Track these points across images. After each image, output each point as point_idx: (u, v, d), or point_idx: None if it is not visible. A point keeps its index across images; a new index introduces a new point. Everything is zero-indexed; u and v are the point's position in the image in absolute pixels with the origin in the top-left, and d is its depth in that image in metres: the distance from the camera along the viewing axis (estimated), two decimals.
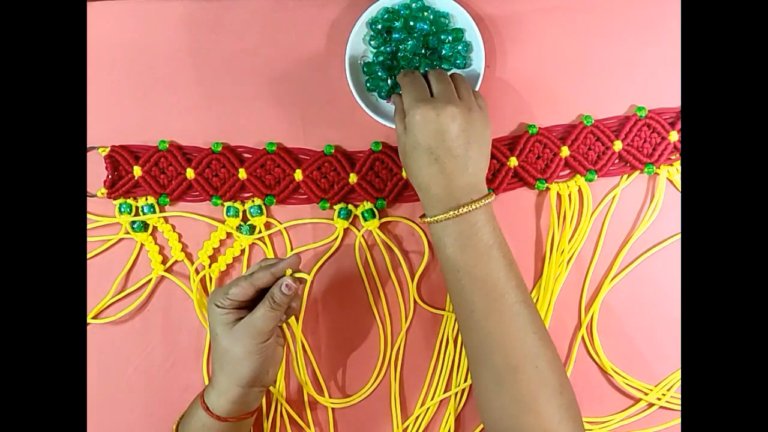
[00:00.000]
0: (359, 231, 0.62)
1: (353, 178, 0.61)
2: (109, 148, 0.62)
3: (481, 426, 0.64)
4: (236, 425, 0.53)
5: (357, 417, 0.65)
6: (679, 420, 0.64)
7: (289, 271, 0.52)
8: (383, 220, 0.62)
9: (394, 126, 0.60)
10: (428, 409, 0.63)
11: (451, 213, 0.50)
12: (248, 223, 0.63)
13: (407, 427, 0.64)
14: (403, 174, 0.61)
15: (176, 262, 0.64)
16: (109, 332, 0.64)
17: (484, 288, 0.50)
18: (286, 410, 0.64)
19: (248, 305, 0.52)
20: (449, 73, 0.56)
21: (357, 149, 0.62)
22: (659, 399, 0.64)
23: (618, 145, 0.61)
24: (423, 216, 0.53)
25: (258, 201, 0.62)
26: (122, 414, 0.65)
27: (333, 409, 0.64)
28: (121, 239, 0.63)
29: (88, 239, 0.63)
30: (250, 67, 0.62)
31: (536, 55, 0.62)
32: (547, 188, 0.62)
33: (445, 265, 0.52)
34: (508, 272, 0.51)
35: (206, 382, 0.63)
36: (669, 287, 0.64)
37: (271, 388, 0.63)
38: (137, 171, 0.61)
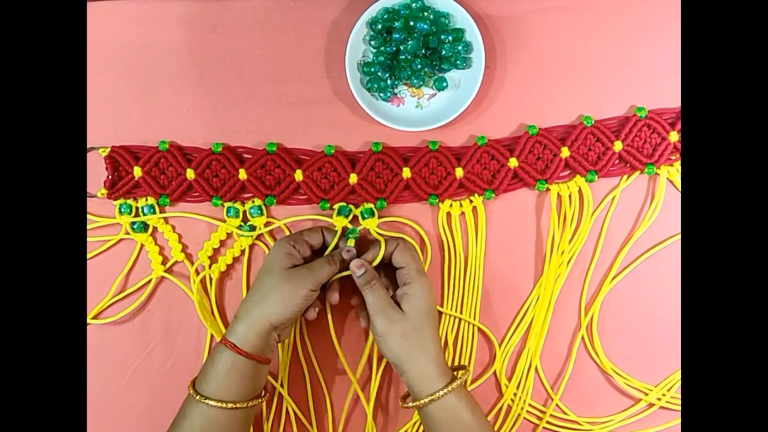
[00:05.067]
0: (357, 228, 0.62)
1: (353, 179, 0.61)
2: (109, 149, 0.62)
3: None
4: (255, 372, 0.55)
5: (357, 417, 0.65)
6: (679, 420, 0.64)
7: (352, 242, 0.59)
8: (383, 219, 0.62)
9: (393, 127, 0.60)
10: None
11: (457, 382, 0.54)
12: (248, 223, 0.63)
13: (406, 431, 0.64)
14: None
15: (176, 262, 0.64)
16: (109, 332, 0.64)
17: None
18: (291, 408, 0.64)
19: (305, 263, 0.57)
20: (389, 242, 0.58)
21: (357, 149, 0.62)
22: (659, 399, 0.64)
23: (618, 146, 0.61)
24: (441, 390, 0.53)
25: (258, 201, 0.62)
26: (122, 414, 0.65)
27: (333, 408, 0.64)
28: (121, 240, 0.63)
29: (88, 240, 0.63)
30: (250, 67, 0.62)
31: (536, 55, 0.62)
32: (548, 189, 0.62)
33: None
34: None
35: None
36: (669, 287, 0.64)
37: (275, 385, 0.63)
38: (137, 171, 0.61)
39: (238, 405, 0.53)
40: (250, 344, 0.53)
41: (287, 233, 0.63)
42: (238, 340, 0.53)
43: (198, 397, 0.53)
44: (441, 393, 0.53)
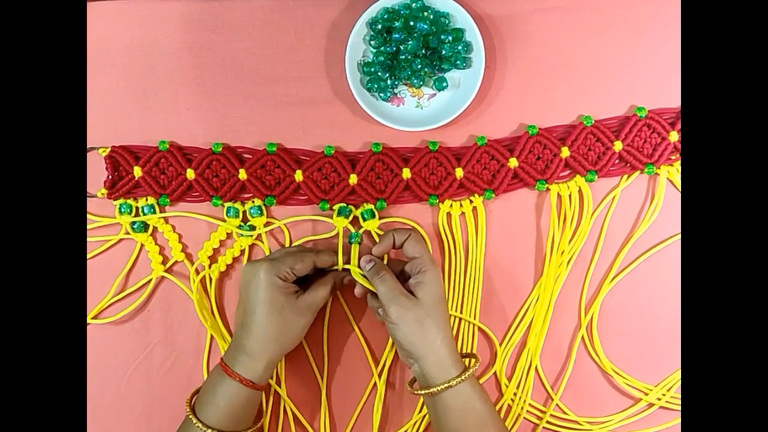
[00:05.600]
0: (359, 231, 0.62)
1: (353, 179, 0.61)
2: (109, 149, 0.62)
3: None
4: (261, 396, 0.58)
5: (358, 417, 0.65)
6: (679, 420, 0.64)
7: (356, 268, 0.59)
8: (383, 220, 0.62)
9: (393, 127, 0.60)
10: (425, 416, 0.63)
11: (471, 370, 0.54)
12: (248, 223, 0.63)
13: (406, 431, 0.64)
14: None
15: (176, 262, 0.64)
16: (109, 332, 0.64)
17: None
18: (290, 408, 0.64)
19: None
20: (396, 233, 0.58)
21: (357, 150, 0.62)
22: (659, 399, 0.64)
23: (618, 146, 0.61)
24: (456, 378, 0.53)
25: (258, 202, 0.62)
26: (122, 414, 0.65)
27: (331, 408, 0.64)
28: (121, 240, 0.63)
29: (88, 239, 0.63)
30: (250, 67, 0.62)
31: (536, 55, 0.62)
32: (548, 189, 0.62)
33: (475, 422, 0.54)
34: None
35: None
36: (669, 287, 0.64)
37: (274, 385, 0.63)
38: (137, 171, 0.61)
39: (249, 431, 0.56)
40: (265, 379, 0.56)
41: (287, 233, 0.63)
42: (257, 377, 0.55)
43: (208, 431, 0.53)
44: (456, 381, 0.53)
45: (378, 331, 0.64)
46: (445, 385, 0.53)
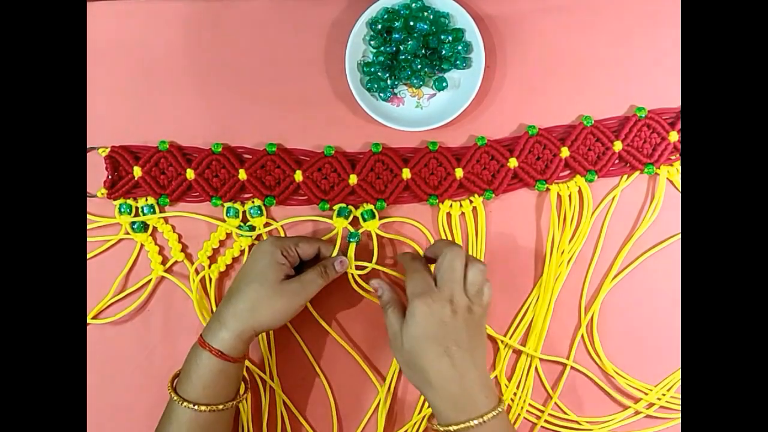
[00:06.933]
0: (359, 230, 0.62)
1: (353, 180, 0.61)
2: (109, 149, 0.62)
3: None
4: (239, 370, 0.56)
5: (357, 416, 0.65)
6: (679, 420, 0.64)
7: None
8: (383, 220, 0.62)
9: (393, 127, 0.60)
10: (425, 417, 0.63)
11: (474, 422, 0.49)
12: (248, 223, 0.63)
13: (406, 431, 0.64)
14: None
15: (176, 262, 0.64)
16: (109, 332, 0.64)
17: None
18: (286, 404, 0.64)
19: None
20: (463, 256, 0.53)
21: (357, 150, 0.62)
22: (659, 399, 0.64)
23: (618, 146, 0.61)
24: (439, 424, 0.50)
25: (258, 202, 0.62)
26: (122, 414, 0.65)
27: (336, 405, 0.64)
28: (120, 240, 0.63)
29: (88, 239, 0.63)
30: (250, 67, 0.62)
31: (536, 55, 0.62)
32: (547, 189, 0.62)
33: None
34: None
35: None
36: (669, 287, 0.64)
37: (269, 381, 0.63)
38: (137, 171, 0.61)
39: (227, 405, 0.55)
40: (237, 351, 0.54)
41: (283, 234, 0.63)
42: (225, 347, 0.54)
43: (185, 404, 0.53)
44: (452, 428, 0.49)
45: (377, 333, 0.64)
46: (444, 429, 0.50)
